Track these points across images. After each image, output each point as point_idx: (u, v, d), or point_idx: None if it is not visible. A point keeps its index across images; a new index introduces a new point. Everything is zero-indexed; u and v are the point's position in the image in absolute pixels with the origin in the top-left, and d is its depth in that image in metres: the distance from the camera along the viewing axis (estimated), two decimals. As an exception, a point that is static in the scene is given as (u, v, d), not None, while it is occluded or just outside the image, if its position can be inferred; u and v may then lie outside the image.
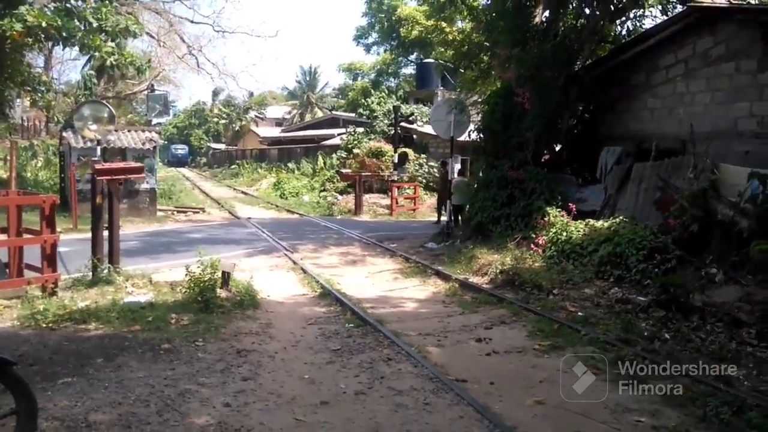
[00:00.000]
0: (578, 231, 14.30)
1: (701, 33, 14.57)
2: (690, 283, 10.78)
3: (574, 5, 18.40)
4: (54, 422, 6.03)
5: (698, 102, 14.68)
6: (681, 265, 11.77)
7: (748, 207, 11.22)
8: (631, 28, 18.96)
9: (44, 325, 9.34)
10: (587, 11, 18.12)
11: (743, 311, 9.59)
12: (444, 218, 22.73)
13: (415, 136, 38.95)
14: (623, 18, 18.72)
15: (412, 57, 55.74)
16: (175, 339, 8.95)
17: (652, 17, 19.07)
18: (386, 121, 40.15)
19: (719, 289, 10.57)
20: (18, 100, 37.15)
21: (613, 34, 19.07)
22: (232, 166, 65.62)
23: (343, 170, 36.40)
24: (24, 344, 8.44)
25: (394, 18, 50.71)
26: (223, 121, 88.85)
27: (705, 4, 14.41)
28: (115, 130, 25.12)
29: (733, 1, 15.65)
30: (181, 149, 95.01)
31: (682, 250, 11.92)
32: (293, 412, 6.69)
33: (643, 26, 18.52)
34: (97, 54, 23.68)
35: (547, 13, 18.40)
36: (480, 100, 20.49)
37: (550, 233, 14.82)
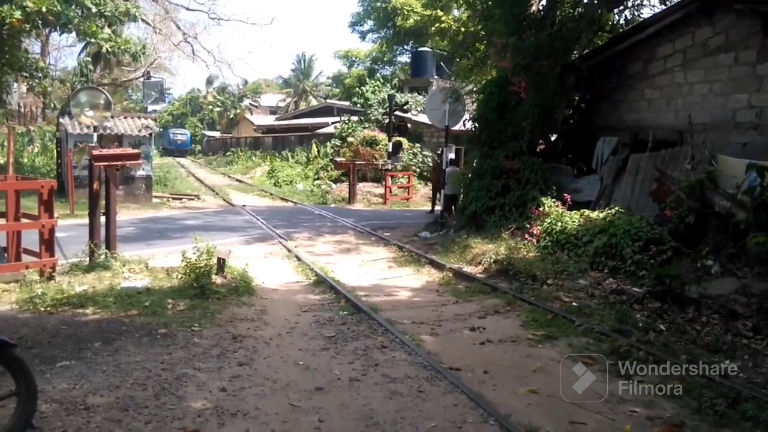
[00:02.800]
0: (573, 221, 14.33)
1: (700, 23, 14.58)
2: (686, 274, 10.80)
3: (571, -7, 18.34)
4: (53, 404, 6.07)
5: (696, 93, 14.70)
6: (677, 256, 11.80)
7: (746, 199, 11.22)
8: (629, 17, 18.98)
9: (42, 309, 9.40)
10: (585, 0, 18.09)
11: (739, 303, 9.63)
12: (438, 208, 22.74)
13: (409, 125, 38.93)
14: (621, 7, 18.72)
15: (408, 46, 55.58)
16: (171, 324, 8.98)
17: (650, 6, 19.14)
18: (381, 110, 40.06)
19: (715, 281, 10.62)
20: (15, 85, 37.05)
21: (610, 23, 19.02)
22: (227, 154, 65.47)
23: (337, 159, 36.35)
24: (23, 327, 8.48)
25: (389, 6, 50.59)
26: (218, 109, 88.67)
27: (704, -6, 14.40)
28: (112, 117, 25.04)
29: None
30: (181, 134, 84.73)
31: (679, 242, 11.96)
32: (288, 397, 6.71)
33: (641, 15, 18.56)
34: (93, 40, 23.60)
35: (544, 2, 18.33)
36: (475, 89, 20.45)
37: (545, 223, 14.85)
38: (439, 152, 28.85)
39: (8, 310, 9.49)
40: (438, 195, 26.53)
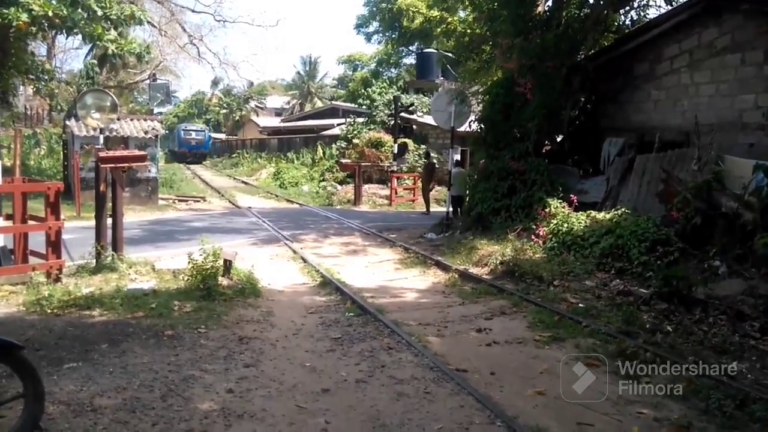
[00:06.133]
0: (579, 222, 14.30)
1: (706, 23, 14.57)
2: (693, 275, 10.78)
3: (577, -6, 18.36)
4: (60, 406, 6.08)
5: (703, 93, 14.69)
6: (684, 257, 11.77)
7: (753, 199, 11.21)
8: (635, 18, 18.98)
9: (49, 311, 9.43)
10: (591, 1, 18.08)
11: (746, 304, 9.61)
12: (441, 208, 22.78)
13: (415, 127, 38.89)
14: (627, 8, 18.72)
15: (413, 47, 55.43)
16: (178, 326, 9.00)
17: (656, 7, 19.12)
18: (386, 112, 39.99)
19: (722, 282, 10.59)
20: (21, 88, 37.15)
21: (616, 23, 19.05)
22: (232, 156, 65.37)
23: (343, 160, 36.38)
24: (30, 329, 8.50)
25: (395, 8, 50.48)
26: (223, 111, 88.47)
27: (711, -6, 14.38)
28: (118, 119, 25.07)
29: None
30: (195, 132, 71.42)
31: (685, 243, 11.93)
32: (295, 399, 6.72)
33: (647, 16, 18.56)
34: (99, 43, 23.63)
35: (550, 3, 18.32)
36: (481, 90, 20.45)
37: (551, 225, 14.83)
38: (425, 153, 29.24)
39: (15, 311, 9.53)
40: (428, 196, 27.48)
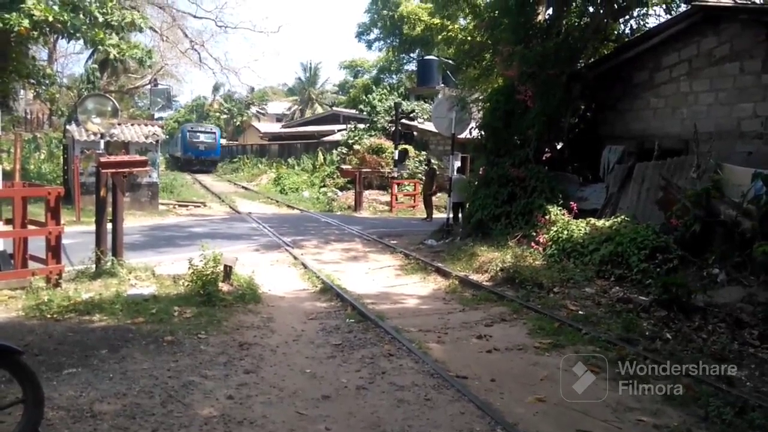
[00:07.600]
0: (579, 230, 14.31)
1: (705, 32, 14.59)
2: (692, 283, 10.80)
3: (577, 3, 18.40)
4: (59, 412, 6.07)
5: (702, 102, 14.70)
6: (683, 265, 11.79)
7: (752, 207, 11.24)
8: (634, 27, 18.97)
9: (49, 316, 9.42)
10: (590, 9, 18.13)
11: (745, 312, 9.63)
12: (442, 215, 22.80)
13: (415, 133, 38.96)
14: (627, 16, 18.72)
15: (414, 54, 55.51)
16: (178, 331, 8.99)
17: (655, 16, 19.17)
18: (387, 118, 40.02)
19: (721, 290, 10.61)
20: (22, 92, 37.15)
21: (616, 32, 19.07)
22: (233, 161, 65.31)
23: (343, 166, 36.42)
24: (29, 334, 8.49)
25: (396, 15, 50.59)
26: (224, 116, 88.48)
27: (709, 3, 14.38)
28: (119, 124, 25.10)
29: (738, 1, 15.64)
30: (204, 134, 62.37)
31: (685, 250, 11.94)
32: (295, 405, 6.71)
33: (647, 25, 18.53)
34: (100, 48, 23.65)
35: (550, 11, 18.40)
36: (482, 97, 20.48)
37: (551, 231, 14.84)
38: (426, 160, 29.29)
39: (15, 317, 9.51)
40: (429, 203, 27.44)
